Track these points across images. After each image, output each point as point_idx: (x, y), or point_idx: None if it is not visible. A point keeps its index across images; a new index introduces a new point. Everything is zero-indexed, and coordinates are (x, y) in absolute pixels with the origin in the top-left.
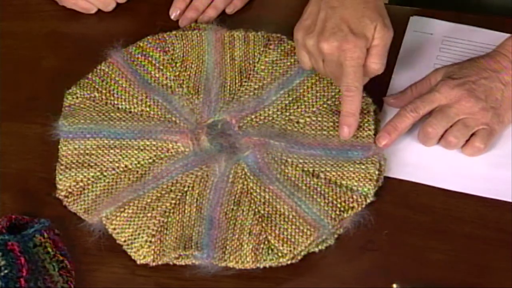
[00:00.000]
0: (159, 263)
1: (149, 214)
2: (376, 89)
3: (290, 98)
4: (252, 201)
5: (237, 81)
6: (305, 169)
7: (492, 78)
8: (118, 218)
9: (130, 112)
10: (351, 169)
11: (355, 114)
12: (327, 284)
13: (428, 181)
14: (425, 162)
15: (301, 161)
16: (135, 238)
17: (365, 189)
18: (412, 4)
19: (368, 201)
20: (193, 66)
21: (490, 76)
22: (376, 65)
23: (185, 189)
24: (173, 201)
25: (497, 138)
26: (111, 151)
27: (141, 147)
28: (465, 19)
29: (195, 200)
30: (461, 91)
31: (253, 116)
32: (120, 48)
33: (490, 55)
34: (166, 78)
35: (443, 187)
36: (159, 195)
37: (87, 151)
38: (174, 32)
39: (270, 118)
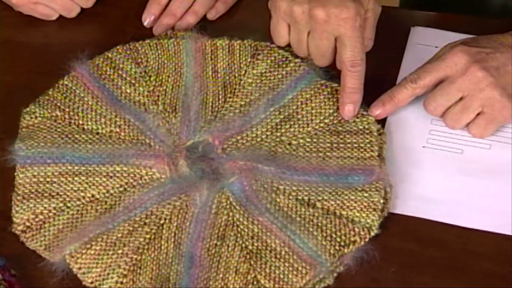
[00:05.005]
0: None
1: (119, 251)
2: None
3: (282, 116)
4: (239, 235)
5: (220, 97)
6: (299, 197)
7: (510, 55)
8: (84, 256)
9: (98, 133)
10: (352, 197)
11: (360, 90)
12: None
13: (440, 218)
14: (435, 196)
15: (294, 188)
16: (103, 279)
17: (369, 221)
18: (425, 9)
19: (372, 234)
20: (169, 80)
21: (507, 51)
22: (369, 41)
23: (161, 221)
24: (148, 236)
25: None
26: (76, 178)
27: (110, 174)
28: (487, 24)
29: (172, 235)
30: (471, 62)
31: (239, 137)
32: (86, 59)
33: (510, 32)
34: (139, 94)
35: (458, 224)
36: (131, 228)
37: (47, 179)
38: (147, 41)
39: (259, 139)
